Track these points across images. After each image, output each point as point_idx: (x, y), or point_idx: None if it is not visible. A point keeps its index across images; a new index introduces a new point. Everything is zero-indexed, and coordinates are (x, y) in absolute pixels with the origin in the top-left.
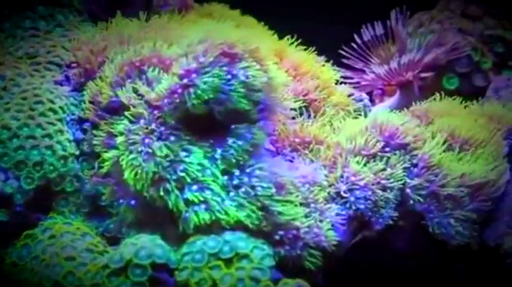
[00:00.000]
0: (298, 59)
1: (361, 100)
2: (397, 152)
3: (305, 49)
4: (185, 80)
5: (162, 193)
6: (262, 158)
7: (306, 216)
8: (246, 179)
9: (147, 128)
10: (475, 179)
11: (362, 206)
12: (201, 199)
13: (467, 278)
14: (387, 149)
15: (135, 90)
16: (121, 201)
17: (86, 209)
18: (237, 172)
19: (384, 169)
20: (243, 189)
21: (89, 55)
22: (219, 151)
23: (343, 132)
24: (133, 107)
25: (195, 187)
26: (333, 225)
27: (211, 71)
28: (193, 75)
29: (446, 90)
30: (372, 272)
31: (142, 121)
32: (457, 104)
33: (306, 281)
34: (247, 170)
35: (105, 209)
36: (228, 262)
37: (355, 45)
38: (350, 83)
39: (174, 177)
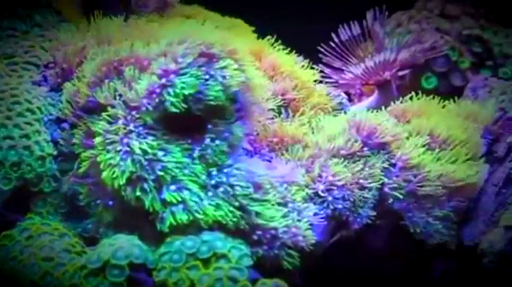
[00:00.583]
0: (276, 59)
1: (340, 100)
2: (376, 151)
3: (284, 49)
4: (163, 80)
5: (139, 193)
6: (240, 158)
7: (284, 216)
8: (224, 179)
9: (125, 128)
10: (453, 178)
11: (340, 206)
12: (179, 199)
13: (444, 277)
14: (365, 148)
15: (114, 91)
16: (98, 201)
17: (63, 209)
18: (214, 172)
19: (362, 169)
20: (221, 189)
21: (66, 55)
22: (197, 150)
23: (322, 132)
24: (112, 107)
25: (173, 187)
26: (311, 225)
27: (190, 71)
28: (172, 75)
29: (425, 89)
30: (350, 271)
31: (120, 121)
32: (434, 103)
33: (284, 281)
34: (225, 170)
35: (83, 210)
36: (206, 262)
37: (333, 45)
38: (329, 82)
39: (152, 177)
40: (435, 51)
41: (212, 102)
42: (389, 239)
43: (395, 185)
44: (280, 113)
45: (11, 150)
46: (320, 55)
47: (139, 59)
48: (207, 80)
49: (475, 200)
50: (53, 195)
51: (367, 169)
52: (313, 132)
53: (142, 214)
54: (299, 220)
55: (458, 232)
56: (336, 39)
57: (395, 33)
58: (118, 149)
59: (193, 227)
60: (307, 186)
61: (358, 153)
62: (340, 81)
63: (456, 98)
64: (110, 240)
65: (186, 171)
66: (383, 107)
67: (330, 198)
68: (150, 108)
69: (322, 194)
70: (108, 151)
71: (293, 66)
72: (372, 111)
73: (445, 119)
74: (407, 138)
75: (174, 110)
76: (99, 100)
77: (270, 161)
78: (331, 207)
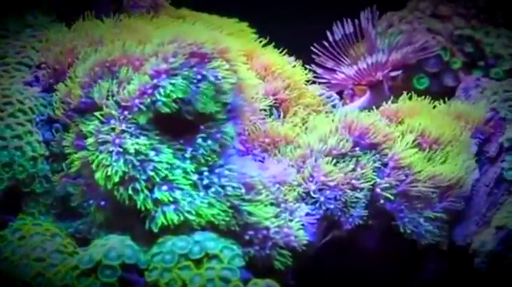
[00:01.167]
0: (268, 59)
1: (332, 100)
2: (367, 151)
3: (276, 49)
4: (155, 81)
5: (131, 193)
6: (232, 158)
7: (276, 216)
8: (215, 179)
9: (117, 128)
10: (445, 178)
11: (332, 206)
12: (171, 199)
13: (437, 278)
14: (357, 149)
15: (106, 91)
16: (91, 202)
17: (55, 210)
18: (206, 172)
19: (354, 169)
20: (213, 189)
21: (58, 56)
22: (189, 150)
23: (314, 132)
24: (104, 107)
25: (165, 187)
26: (303, 225)
27: (181, 71)
28: (163, 75)
29: (417, 90)
30: (342, 271)
31: (112, 121)
32: (426, 103)
33: (275, 281)
34: (217, 170)
35: (75, 210)
36: (198, 262)
37: (326, 44)
38: (321, 83)
39: (143, 177)
40: (427, 51)
41: (204, 103)
42: (381, 240)
43: (387, 185)
44: (271, 113)
45: (3, 150)
46: (312, 55)
47: (132, 59)
48: (198, 80)
49: (466, 201)
50: (44, 195)
51: (358, 169)
52: (305, 133)
53: (134, 214)
54: (291, 220)
55: (450, 232)
56: (329, 39)
57: (387, 33)
58: (110, 149)
59: (185, 228)
60: (299, 186)
61: (350, 153)
62: (333, 82)
63: (448, 98)
64: (101, 240)
65: (178, 171)
66: (375, 108)
67: (322, 198)
68: (142, 108)
69: (314, 195)
70: (100, 152)
71: (285, 66)
72: (364, 112)
73: (437, 119)
74: (399, 138)
75: (165, 110)
76: (91, 100)
77: (262, 162)
78: (323, 207)
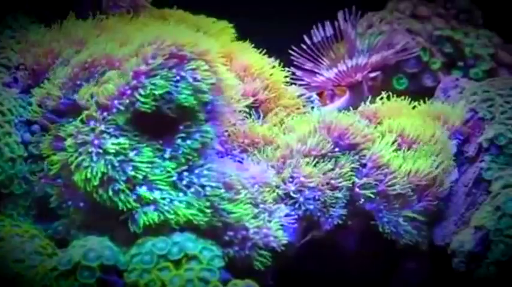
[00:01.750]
0: (248, 60)
1: (311, 101)
2: (346, 152)
3: (255, 50)
4: (134, 81)
5: (111, 194)
6: (211, 159)
7: (255, 216)
8: (195, 179)
9: (96, 129)
10: (421, 175)
11: (311, 207)
12: (151, 198)
13: (416, 277)
14: (336, 149)
15: (85, 92)
16: (69, 203)
17: (34, 211)
18: (186, 172)
19: (333, 169)
20: (192, 189)
21: (37, 57)
22: (168, 150)
23: (293, 132)
24: (83, 108)
25: (144, 187)
26: (282, 225)
27: (160, 72)
28: (142, 76)
29: (396, 90)
30: (321, 272)
31: (91, 122)
32: (405, 104)
33: (255, 281)
34: (196, 171)
35: (54, 211)
36: (177, 263)
37: (305, 46)
38: (301, 84)
39: (123, 177)
40: (406, 52)
41: (183, 104)
42: (360, 239)
43: (365, 185)
44: (250, 114)
45: None
46: (291, 57)
47: (111, 60)
48: (177, 81)
49: (445, 201)
50: (23, 197)
51: (337, 169)
52: (284, 133)
53: (113, 215)
54: (270, 221)
55: (429, 232)
56: (308, 41)
57: (367, 34)
58: (89, 150)
59: (164, 228)
60: (278, 187)
61: (329, 153)
62: (312, 83)
63: (427, 98)
64: (80, 241)
65: (157, 171)
66: (354, 108)
67: (301, 199)
68: (122, 108)
69: (293, 195)
70: (80, 153)
71: (264, 67)
72: (344, 112)
73: (416, 119)
74: (379, 138)
75: (144, 109)
76: (70, 102)
77: (241, 162)
78: (303, 208)
